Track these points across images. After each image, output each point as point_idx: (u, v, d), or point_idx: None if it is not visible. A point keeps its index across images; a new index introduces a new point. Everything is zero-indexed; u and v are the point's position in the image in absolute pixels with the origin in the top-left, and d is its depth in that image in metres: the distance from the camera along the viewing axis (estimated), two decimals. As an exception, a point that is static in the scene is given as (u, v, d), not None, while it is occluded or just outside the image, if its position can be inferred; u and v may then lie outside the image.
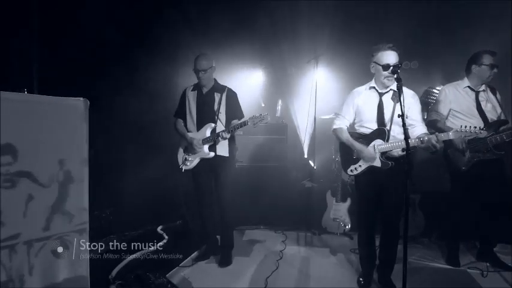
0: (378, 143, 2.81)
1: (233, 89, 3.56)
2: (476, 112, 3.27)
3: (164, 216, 4.50)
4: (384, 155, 2.82)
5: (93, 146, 3.19)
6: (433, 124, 3.33)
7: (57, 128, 2.42)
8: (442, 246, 3.79)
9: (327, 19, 5.44)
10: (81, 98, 2.55)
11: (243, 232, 4.43)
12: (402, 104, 2.41)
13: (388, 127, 2.80)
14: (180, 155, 3.57)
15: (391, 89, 2.86)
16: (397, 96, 2.57)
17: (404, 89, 2.81)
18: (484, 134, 2.48)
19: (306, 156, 5.62)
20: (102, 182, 4.18)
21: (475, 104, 3.31)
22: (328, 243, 4.10)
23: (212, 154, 3.38)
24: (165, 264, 3.25)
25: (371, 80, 3.00)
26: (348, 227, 4.23)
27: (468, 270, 3.35)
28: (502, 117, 3.29)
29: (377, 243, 3.07)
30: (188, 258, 3.56)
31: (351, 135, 2.98)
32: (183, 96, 3.60)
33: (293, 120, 5.78)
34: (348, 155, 3.00)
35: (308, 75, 5.57)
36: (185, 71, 4.40)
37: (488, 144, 3.16)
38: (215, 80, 3.54)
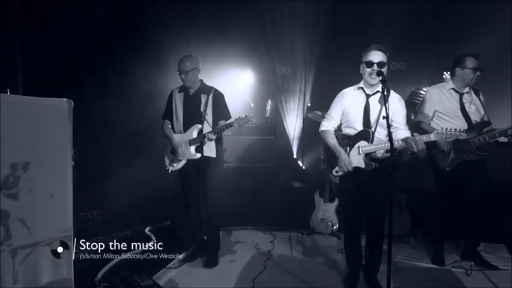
0: (362, 144, 2.85)
1: (222, 90, 3.54)
2: (460, 114, 3.33)
3: (152, 217, 4.48)
4: (368, 156, 2.83)
5: (80, 146, 3.16)
6: (418, 125, 3.38)
7: (40, 130, 2.39)
8: (428, 245, 3.82)
9: (316, 20, 5.47)
10: (65, 99, 2.53)
11: (231, 233, 4.41)
12: (387, 105, 2.45)
13: (373, 129, 2.83)
14: (167, 155, 3.56)
15: (378, 91, 2.88)
16: (387, 97, 2.62)
17: (392, 92, 2.89)
18: (464, 136, 2.51)
19: (295, 156, 5.64)
20: (89, 182, 4.16)
21: (459, 105, 3.36)
22: (316, 244, 4.12)
23: (198, 155, 3.37)
24: (152, 265, 3.23)
25: (360, 80, 3.02)
26: (336, 227, 4.25)
27: (453, 269, 3.38)
28: (485, 119, 3.35)
29: (364, 243, 3.08)
30: (175, 260, 3.53)
31: (337, 137, 3.01)
32: (170, 97, 3.58)
33: (282, 120, 5.80)
34: (332, 156, 3.02)
35: (297, 76, 5.60)
36: (173, 72, 4.38)
37: (472, 146, 3.22)
38: (201, 81, 3.53)
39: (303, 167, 5.35)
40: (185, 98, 3.48)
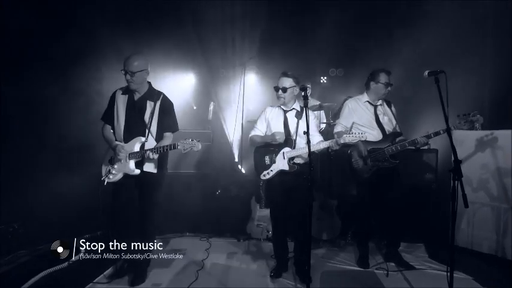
0: (286, 150, 3.31)
1: (164, 93, 3.29)
2: (375, 124, 3.56)
3: (83, 228, 4.25)
4: (292, 160, 3.29)
5: None
6: (338, 135, 3.52)
7: None
8: (355, 248, 4.00)
9: (256, 25, 5.53)
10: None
11: (168, 241, 4.32)
12: (308, 121, 2.90)
13: (294, 137, 3.31)
14: (105, 165, 3.28)
15: (293, 108, 3.41)
16: (301, 114, 3.27)
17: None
18: (365, 137, 2.98)
19: (236, 160, 5.65)
20: (8, 193, 3.88)
21: (374, 117, 3.59)
22: (251, 249, 4.17)
23: (137, 172, 3.13)
24: (77, 280, 3.13)
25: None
26: (271, 232, 4.32)
27: (375, 271, 3.54)
28: (397, 130, 3.61)
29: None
30: (101, 276, 3.37)
31: (264, 146, 3.40)
32: (112, 99, 3.26)
33: (222, 124, 5.80)
34: (261, 161, 3.40)
35: (237, 80, 5.62)
36: (111, 73, 4.20)
37: (386, 154, 3.45)
38: (149, 84, 3.24)
39: (243, 172, 5.38)
40: (129, 103, 3.18)
